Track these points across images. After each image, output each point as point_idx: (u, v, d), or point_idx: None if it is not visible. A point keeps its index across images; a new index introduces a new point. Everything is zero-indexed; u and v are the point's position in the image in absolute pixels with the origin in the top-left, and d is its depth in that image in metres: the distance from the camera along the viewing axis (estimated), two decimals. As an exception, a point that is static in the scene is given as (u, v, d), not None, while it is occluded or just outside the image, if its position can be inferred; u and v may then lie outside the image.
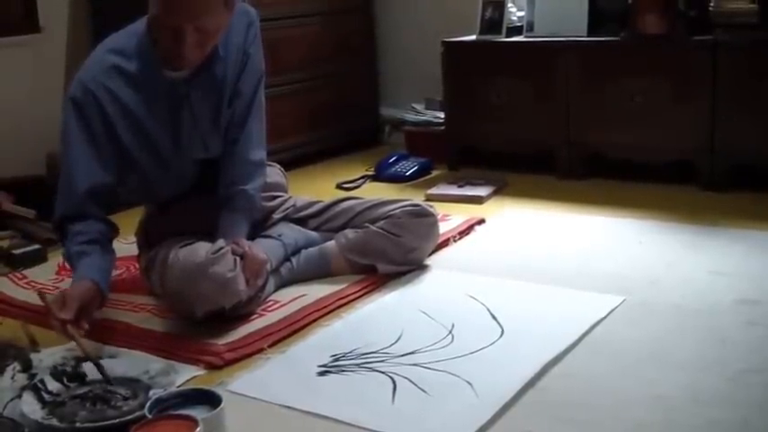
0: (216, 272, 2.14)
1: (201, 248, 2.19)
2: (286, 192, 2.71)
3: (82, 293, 2.09)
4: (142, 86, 2.24)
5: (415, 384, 1.88)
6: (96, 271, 2.17)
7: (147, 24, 2.23)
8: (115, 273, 2.67)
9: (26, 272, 2.75)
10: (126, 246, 2.86)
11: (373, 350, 2.06)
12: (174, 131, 2.30)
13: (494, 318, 2.21)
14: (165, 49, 2.17)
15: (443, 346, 2.06)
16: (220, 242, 2.23)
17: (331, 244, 2.54)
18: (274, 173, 2.68)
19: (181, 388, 1.84)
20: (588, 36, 3.59)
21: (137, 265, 2.65)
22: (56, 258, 2.86)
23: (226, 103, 2.36)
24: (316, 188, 3.42)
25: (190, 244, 2.24)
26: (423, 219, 2.55)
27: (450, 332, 2.14)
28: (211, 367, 2.01)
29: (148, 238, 2.46)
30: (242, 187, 2.37)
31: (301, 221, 2.60)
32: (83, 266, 2.17)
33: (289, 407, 1.82)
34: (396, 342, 2.10)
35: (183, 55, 2.15)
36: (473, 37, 3.89)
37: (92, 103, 2.21)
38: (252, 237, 2.41)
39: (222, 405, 1.65)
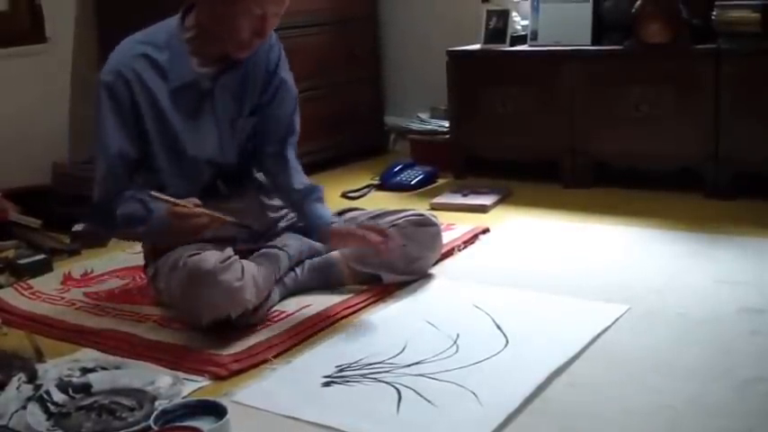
0: (224, 280, 2.15)
1: (210, 257, 2.20)
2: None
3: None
4: (169, 76, 2.30)
5: (420, 395, 1.88)
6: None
7: (184, 18, 2.32)
8: (120, 282, 2.69)
9: (31, 282, 2.75)
10: (132, 256, 2.88)
11: (378, 360, 2.06)
12: (194, 125, 2.34)
13: (498, 327, 2.21)
14: (228, 39, 2.24)
15: (448, 357, 2.06)
16: (229, 251, 2.25)
17: (335, 254, 2.54)
18: None
19: (186, 399, 1.85)
20: (592, 45, 3.60)
21: (142, 275, 2.65)
22: (61, 268, 2.87)
23: (245, 112, 2.43)
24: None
25: (198, 252, 2.25)
26: (426, 228, 2.55)
27: (455, 342, 2.14)
28: (216, 378, 2.01)
29: (156, 246, 2.45)
30: (310, 183, 2.49)
31: (306, 231, 2.61)
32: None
33: (294, 417, 1.82)
34: (400, 352, 2.10)
35: (252, 44, 2.26)
36: (477, 46, 3.90)
37: (122, 85, 2.27)
38: (256, 247, 2.42)
39: (227, 416, 1.66)
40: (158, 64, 2.30)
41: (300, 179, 2.49)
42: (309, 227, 2.46)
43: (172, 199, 2.19)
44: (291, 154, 2.50)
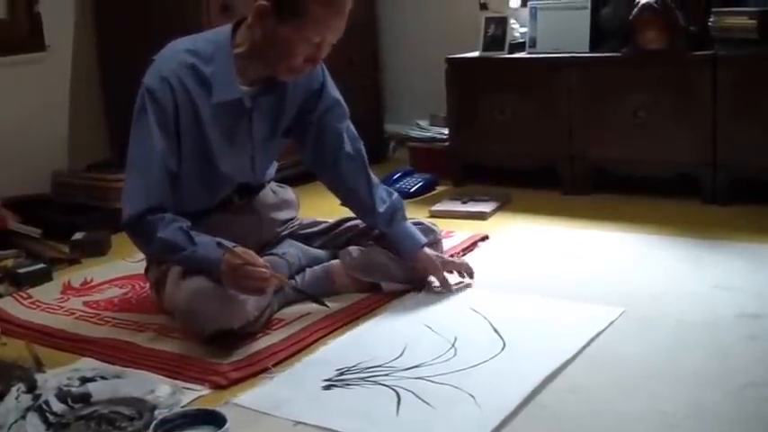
0: (228, 295, 2.16)
1: None
2: (297, 210, 2.72)
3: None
4: (213, 91, 2.26)
5: (419, 397, 1.89)
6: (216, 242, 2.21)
7: (234, 32, 2.29)
8: (120, 291, 2.69)
9: (31, 291, 2.74)
10: (132, 264, 2.88)
11: (377, 364, 2.07)
12: (229, 142, 2.34)
13: (495, 331, 2.22)
14: (280, 62, 2.23)
15: (446, 360, 2.07)
16: None
17: (335, 262, 2.54)
18: (288, 192, 2.70)
19: (186, 408, 1.85)
20: (590, 52, 3.61)
21: (142, 284, 2.66)
22: (61, 277, 2.87)
23: (280, 132, 2.44)
24: (320, 205, 3.42)
25: None
26: (426, 236, 2.55)
27: (453, 346, 2.15)
28: (216, 387, 2.00)
29: None
30: (389, 200, 2.56)
31: (307, 239, 2.61)
32: (211, 239, 2.21)
33: (294, 420, 1.82)
34: (400, 356, 2.11)
35: (303, 69, 2.27)
36: (476, 53, 3.91)
37: (167, 92, 2.23)
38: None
39: (227, 425, 1.66)
40: (204, 77, 2.26)
41: (381, 195, 2.55)
42: (399, 249, 2.52)
43: (236, 249, 2.15)
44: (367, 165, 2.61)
